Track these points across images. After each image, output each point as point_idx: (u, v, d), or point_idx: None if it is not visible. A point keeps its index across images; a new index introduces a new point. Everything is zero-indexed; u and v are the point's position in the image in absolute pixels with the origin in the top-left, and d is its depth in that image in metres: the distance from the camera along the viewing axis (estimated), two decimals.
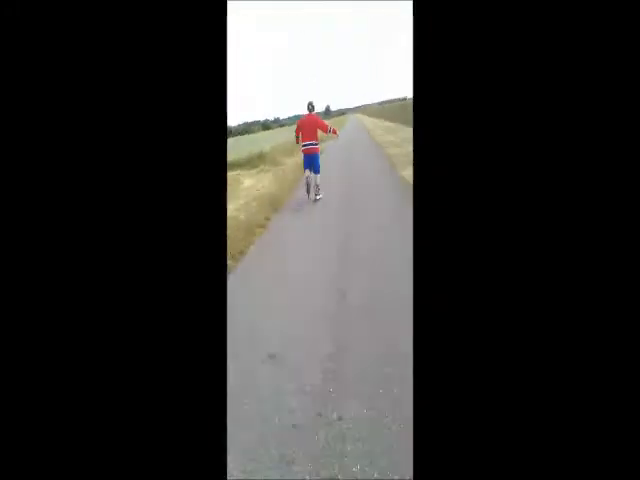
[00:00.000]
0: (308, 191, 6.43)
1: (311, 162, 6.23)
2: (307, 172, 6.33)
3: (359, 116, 75.07)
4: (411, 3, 0.79)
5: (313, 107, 6.29)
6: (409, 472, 1.57)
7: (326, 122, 6.43)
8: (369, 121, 43.87)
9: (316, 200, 6.32)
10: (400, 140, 14.45)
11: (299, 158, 8.44)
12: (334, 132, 6.40)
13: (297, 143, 6.49)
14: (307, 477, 1.63)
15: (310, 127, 6.15)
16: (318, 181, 6.33)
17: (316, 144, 6.24)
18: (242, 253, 4.40)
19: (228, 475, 1.65)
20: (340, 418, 1.89)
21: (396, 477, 1.58)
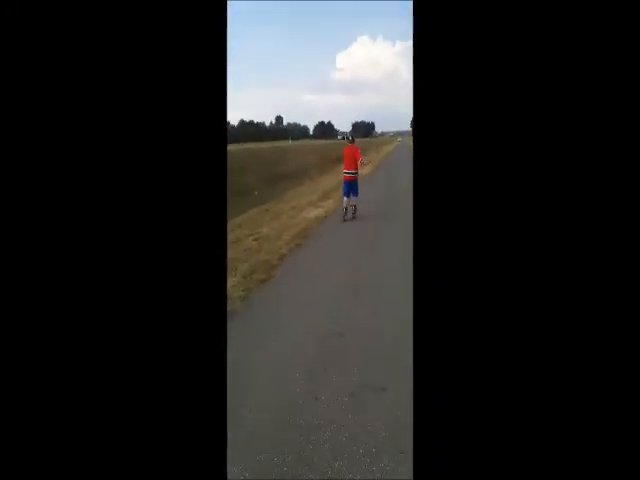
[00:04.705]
0: (345, 214, 7.47)
1: (351, 187, 7.42)
2: (346, 200, 7.44)
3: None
4: (411, 3, 0.78)
5: (353, 139, 7.77)
6: (409, 472, 1.54)
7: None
8: None
9: (353, 218, 7.51)
10: None
11: None
12: (362, 164, 7.67)
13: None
14: None
15: (351, 157, 7.36)
16: (355, 202, 7.52)
17: (356, 172, 7.45)
18: None
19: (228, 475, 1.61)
20: None
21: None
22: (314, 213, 8.09)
